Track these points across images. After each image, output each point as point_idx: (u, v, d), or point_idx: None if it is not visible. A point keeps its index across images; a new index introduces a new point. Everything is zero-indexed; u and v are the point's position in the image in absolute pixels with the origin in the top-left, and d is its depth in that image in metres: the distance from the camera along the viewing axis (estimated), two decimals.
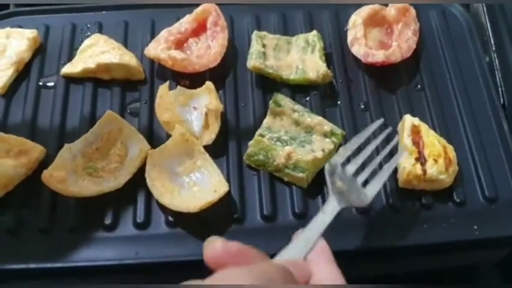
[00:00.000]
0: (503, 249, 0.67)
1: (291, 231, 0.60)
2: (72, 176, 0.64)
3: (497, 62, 0.75)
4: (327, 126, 0.67)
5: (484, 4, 0.79)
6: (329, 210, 0.52)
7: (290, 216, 0.64)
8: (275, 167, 0.66)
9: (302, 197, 0.65)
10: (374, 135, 0.64)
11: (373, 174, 0.60)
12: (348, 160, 0.60)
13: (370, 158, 0.61)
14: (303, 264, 0.47)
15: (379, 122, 0.64)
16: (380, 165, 0.62)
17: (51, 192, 0.64)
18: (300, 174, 0.65)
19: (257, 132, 0.68)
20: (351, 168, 0.59)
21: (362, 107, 0.72)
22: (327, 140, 0.67)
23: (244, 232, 0.63)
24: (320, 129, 0.67)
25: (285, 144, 0.67)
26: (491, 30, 0.77)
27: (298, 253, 0.48)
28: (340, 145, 0.67)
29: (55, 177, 0.63)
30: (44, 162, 0.67)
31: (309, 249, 0.48)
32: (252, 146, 0.67)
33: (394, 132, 0.67)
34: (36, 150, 0.67)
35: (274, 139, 0.67)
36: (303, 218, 0.63)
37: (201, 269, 0.61)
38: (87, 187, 0.64)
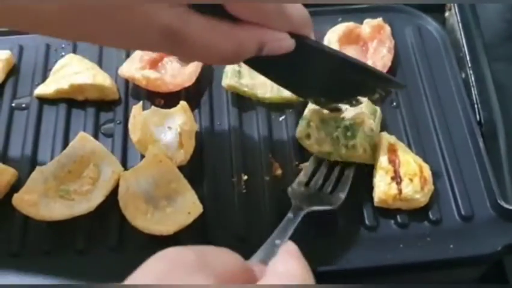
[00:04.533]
0: (480, 267, 0.66)
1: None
2: (43, 199, 0.63)
3: (473, 78, 0.74)
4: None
5: (459, 21, 0.79)
6: (291, 216, 0.60)
7: (266, 237, 0.63)
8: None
9: (277, 219, 0.64)
10: None
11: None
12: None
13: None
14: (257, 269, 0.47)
15: None
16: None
17: (23, 216, 0.63)
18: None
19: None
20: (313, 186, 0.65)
21: None
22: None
23: None
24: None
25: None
26: (466, 47, 0.77)
27: (264, 257, 0.53)
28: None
29: (26, 201, 0.62)
30: (16, 186, 0.66)
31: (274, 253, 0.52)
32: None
33: None
34: (8, 173, 0.66)
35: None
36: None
37: None
38: (58, 210, 0.63)
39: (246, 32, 0.50)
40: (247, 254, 0.61)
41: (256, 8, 0.50)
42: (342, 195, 0.63)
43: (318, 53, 0.58)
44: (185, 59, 0.61)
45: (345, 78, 0.61)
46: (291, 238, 0.56)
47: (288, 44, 0.53)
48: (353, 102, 0.65)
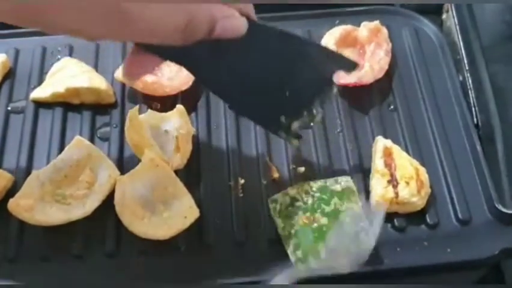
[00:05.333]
0: (478, 271, 0.66)
1: (263, 257, 0.61)
2: (40, 204, 0.63)
3: (470, 81, 0.74)
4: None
5: (456, 23, 0.79)
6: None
7: (263, 241, 0.63)
8: None
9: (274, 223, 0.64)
10: None
11: None
12: None
13: None
14: None
15: None
16: None
17: (19, 221, 0.63)
18: None
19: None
20: None
21: (335, 128, 0.71)
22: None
23: (216, 259, 0.62)
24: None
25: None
26: (464, 50, 0.77)
27: None
28: None
29: (22, 205, 0.62)
30: (12, 190, 0.65)
31: None
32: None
33: None
34: (4, 178, 0.66)
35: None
36: (278, 245, 0.63)
37: None
38: (54, 215, 0.63)
39: (197, 5, 0.47)
40: (244, 259, 0.62)
41: None
42: None
43: (272, 36, 0.55)
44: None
45: (301, 67, 0.58)
46: None
47: (240, 23, 0.50)
48: (312, 112, 0.61)
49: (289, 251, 0.60)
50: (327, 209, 0.62)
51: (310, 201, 0.63)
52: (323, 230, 0.60)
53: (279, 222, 0.62)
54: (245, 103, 0.60)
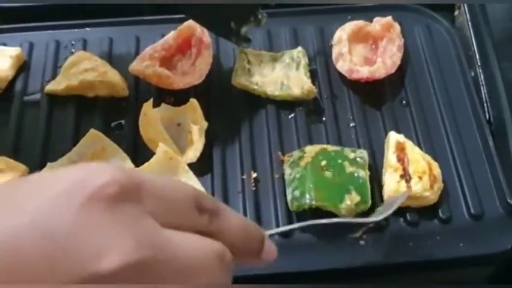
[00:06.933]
0: (490, 266, 0.66)
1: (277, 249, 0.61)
2: None
3: (482, 77, 0.75)
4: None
5: (469, 19, 0.79)
6: None
7: (275, 235, 0.63)
8: None
9: (287, 216, 0.64)
10: None
11: None
12: None
13: None
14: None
15: None
16: None
17: None
18: None
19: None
20: None
21: (347, 123, 0.72)
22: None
23: None
24: None
25: None
26: (476, 45, 0.77)
27: None
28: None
29: None
30: None
31: None
32: None
33: None
34: (19, 169, 0.66)
35: None
36: (288, 237, 0.63)
37: None
38: None
39: None
40: None
41: None
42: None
43: None
44: None
45: None
46: None
47: None
48: (258, 17, 0.72)
49: (288, 192, 0.64)
50: (336, 166, 0.64)
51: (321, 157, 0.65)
52: (325, 178, 0.63)
53: (288, 170, 0.66)
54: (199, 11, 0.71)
